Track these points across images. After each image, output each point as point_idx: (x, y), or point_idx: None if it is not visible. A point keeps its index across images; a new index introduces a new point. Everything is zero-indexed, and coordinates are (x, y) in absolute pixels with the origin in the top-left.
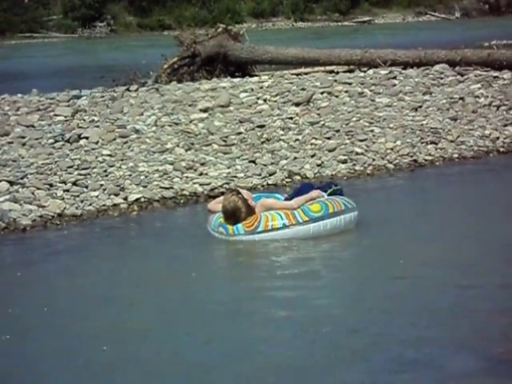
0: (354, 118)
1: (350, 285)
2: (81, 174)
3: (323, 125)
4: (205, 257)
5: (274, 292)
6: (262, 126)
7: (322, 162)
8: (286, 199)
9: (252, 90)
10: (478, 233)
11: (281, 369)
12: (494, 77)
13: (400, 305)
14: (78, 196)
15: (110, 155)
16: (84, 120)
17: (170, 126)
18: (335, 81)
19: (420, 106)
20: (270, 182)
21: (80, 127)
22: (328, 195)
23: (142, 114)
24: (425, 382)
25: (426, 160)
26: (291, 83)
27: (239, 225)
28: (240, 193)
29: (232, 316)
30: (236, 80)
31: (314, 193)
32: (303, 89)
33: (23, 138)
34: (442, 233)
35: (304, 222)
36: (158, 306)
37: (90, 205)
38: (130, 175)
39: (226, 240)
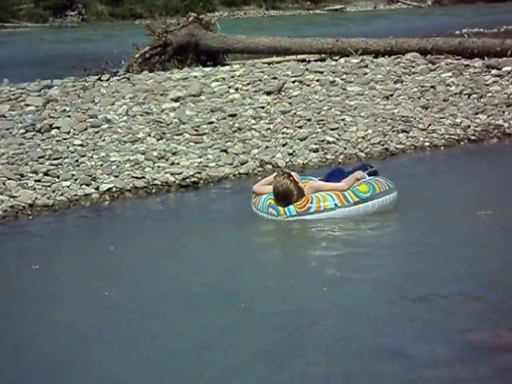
0: (326, 107)
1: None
2: (52, 164)
3: (295, 114)
4: (204, 244)
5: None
6: (233, 115)
7: (294, 151)
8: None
9: (223, 79)
10: (451, 222)
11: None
12: (465, 65)
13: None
14: (49, 186)
15: (81, 145)
16: (55, 110)
17: (141, 115)
18: (307, 69)
19: (391, 95)
20: (241, 171)
21: (51, 117)
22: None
23: (113, 104)
24: (397, 371)
25: (397, 148)
26: (263, 72)
27: (291, 206)
28: (291, 175)
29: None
30: (207, 69)
31: (359, 174)
32: (275, 78)
33: None
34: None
35: (354, 203)
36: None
37: (62, 195)
38: (102, 165)
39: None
